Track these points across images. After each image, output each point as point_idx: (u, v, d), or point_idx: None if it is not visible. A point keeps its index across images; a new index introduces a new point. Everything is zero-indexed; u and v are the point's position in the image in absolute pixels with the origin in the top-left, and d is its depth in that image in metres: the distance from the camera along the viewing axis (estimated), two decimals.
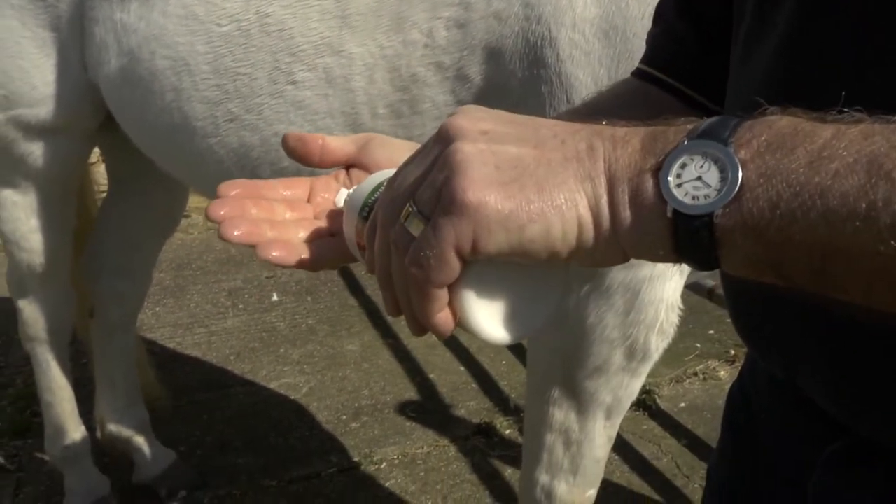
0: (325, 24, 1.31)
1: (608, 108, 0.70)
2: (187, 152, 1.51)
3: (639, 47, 1.01)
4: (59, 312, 2.01)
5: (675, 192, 0.40)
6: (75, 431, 2.12)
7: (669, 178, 0.41)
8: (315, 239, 0.58)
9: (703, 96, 0.69)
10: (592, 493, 1.43)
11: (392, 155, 0.63)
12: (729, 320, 0.68)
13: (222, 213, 0.56)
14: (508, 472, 2.32)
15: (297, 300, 3.47)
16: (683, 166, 0.41)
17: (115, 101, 1.62)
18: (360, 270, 3.48)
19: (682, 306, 1.25)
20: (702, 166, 0.40)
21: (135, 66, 1.50)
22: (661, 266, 1.17)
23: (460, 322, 0.47)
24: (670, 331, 1.26)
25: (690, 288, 1.82)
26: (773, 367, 0.63)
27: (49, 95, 1.67)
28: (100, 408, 2.26)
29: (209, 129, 1.45)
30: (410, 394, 2.75)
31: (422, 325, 0.48)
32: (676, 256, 0.42)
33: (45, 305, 1.97)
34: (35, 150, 1.74)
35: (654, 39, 0.75)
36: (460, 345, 3.01)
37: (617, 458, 2.35)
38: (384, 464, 2.38)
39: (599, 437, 1.34)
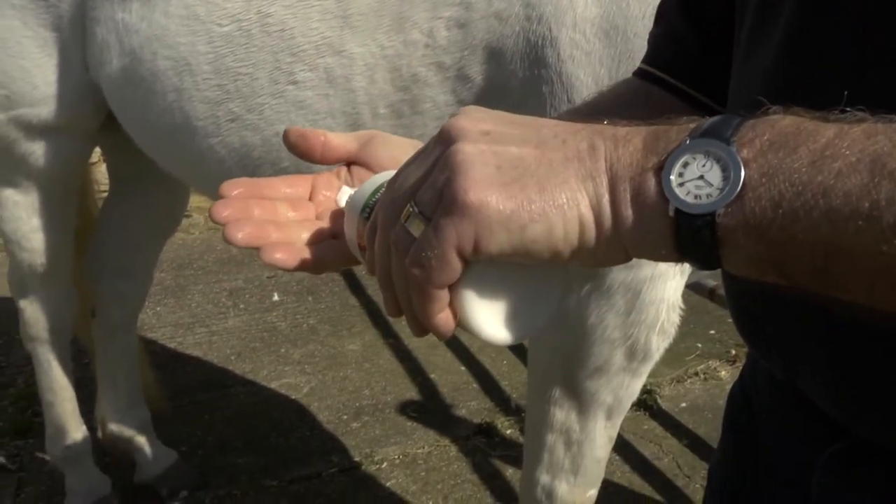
0: (326, 24, 1.31)
1: (609, 108, 0.70)
2: (189, 152, 1.51)
3: (640, 47, 1.01)
4: (61, 312, 2.01)
5: (677, 191, 0.40)
6: (76, 431, 2.12)
7: (671, 177, 0.41)
8: (317, 241, 0.58)
9: (704, 96, 0.69)
10: (593, 493, 1.43)
11: (393, 153, 0.63)
12: (730, 320, 0.68)
13: (225, 214, 0.56)
14: (509, 472, 2.32)
15: (298, 300, 3.47)
16: (686, 165, 0.41)
17: (116, 101, 1.62)
18: (360, 270, 3.47)
19: (683, 306, 1.25)
20: (704, 165, 0.40)
21: (136, 67, 1.50)
22: (662, 266, 1.17)
23: (461, 322, 0.47)
24: (671, 331, 1.26)
25: (691, 288, 1.82)
26: (774, 368, 0.63)
27: (50, 95, 1.67)
28: (101, 408, 2.27)
29: (210, 129, 1.45)
30: (411, 394, 2.75)
31: (423, 326, 0.48)
32: (678, 256, 0.42)
33: (47, 305, 1.97)
34: (36, 150, 1.74)
35: (655, 39, 0.75)
36: (461, 345, 3.01)
37: (618, 458, 2.35)
38: (385, 464, 2.38)
39: (600, 437, 1.34)
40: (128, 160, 2.00)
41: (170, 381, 2.75)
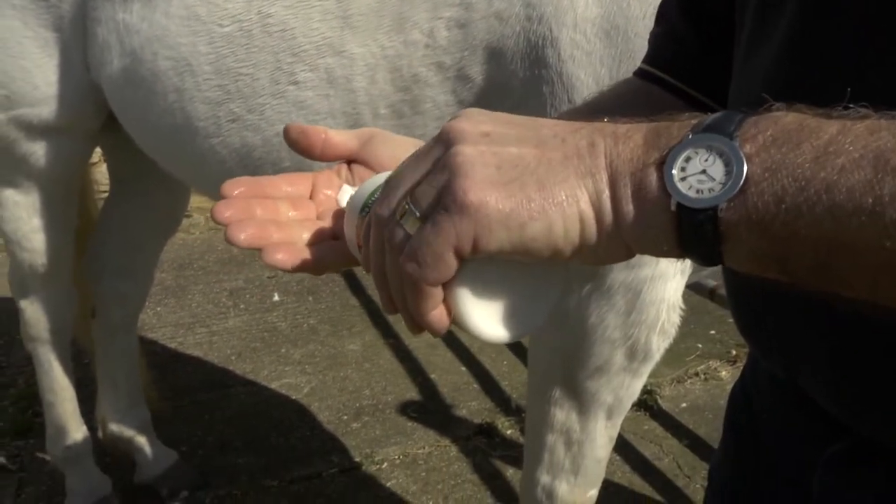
0: (327, 24, 1.31)
1: (609, 107, 0.70)
2: (189, 153, 1.51)
3: (640, 47, 1.02)
4: (61, 312, 2.01)
5: (679, 185, 0.40)
6: (77, 431, 2.12)
7: (674, 171, 0.40)
8: (318, 241, 0.58)
9: (704, 96, 0.69)
10: (594, 493, 1.43)
11: (394, 152, 0.63)
12: (730, 320, 0.68)
13: (227, 215, 0.56)
14: (510, 473, 2.32)
15: (298, 300, 3.48)
16: (688, 160, 0.40)
17: (117, 102, 1.62)
18: (361, 271, 3.47)
19: (683, 306, 1.25)
20: (706, 160, 0.40)
21: (137, 67, 1.50)
22: (662, 266, 1.17)
23: (455, 319, 0.47)
24: (672, 331, 1.26)
25: (692, 288, 1.82)
26: (775, 367, 0.63)
27: (51, 96, 1.67)
28: (101, 408, 2.27)
29: (211, 129, 1.45)
30: (412, 394, 2.75)
31: (418, 323, 0.48)
32: (680, 251, 0.42)
33: (47, 305, 1.97)
34: (37, 150, 1.75)
35: (655, 39, 0.76)
36: (462, 345, 3.02)
37: (618, 458, 2.35)
38: (385, 464, 2.38)
39: (601, 438, 1.34)
40: (128, 160, 2.00)
41: (170, 381, 2.76)
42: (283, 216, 0.59)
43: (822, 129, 0.39)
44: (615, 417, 1.34)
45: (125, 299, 2.16)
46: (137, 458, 2.26)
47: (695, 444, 2.45)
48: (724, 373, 2.84)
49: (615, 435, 1.38)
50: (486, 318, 0.47)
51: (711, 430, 2.47)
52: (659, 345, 1.26)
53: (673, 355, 1.90)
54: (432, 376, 2.84)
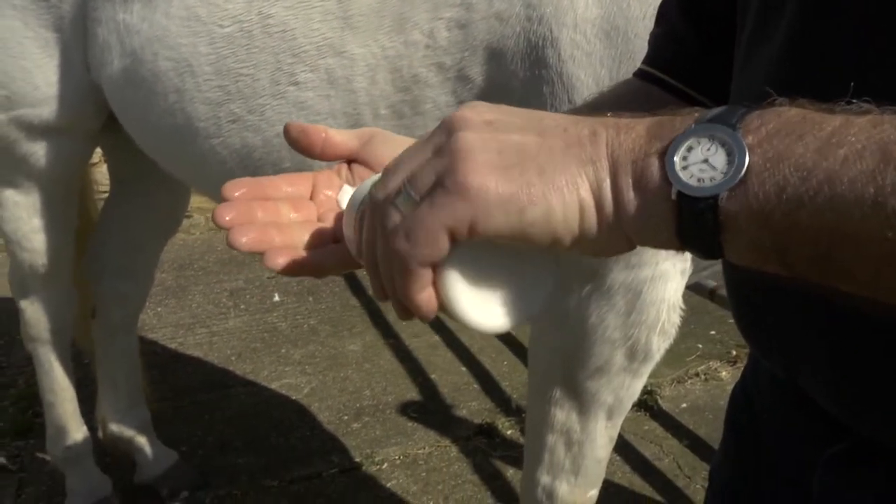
0: (327, 24, 1.31)
1: (609, 108, 0.70)
2: (190, 153, 1.51)
3: (640, 48, 1.02)
4: (61, 313, 2.01)
5: (681, 174, 0.40)
6: (77, 432, 2.12)
7: (675, 160, 0.40)
8: (319, 244, 0.58)
9: (704, 96, 0.69)
10: (594, 493, 1.43)
11: (395, 152, 0.62)
12: (730, 321, 0.68)
13: (228, 218, 0.56)
14: (510, 473, 2.32)
15: (298, 300, 3.48)
16: (690, 149, 0.40)
17: (117, 102, 1.62)
18: (361, 271, 3.48)
19: (683, 307, 1.25)
20: (709, 149, 0.40)
21: (137, 67, 1.50)
22: (662, 266, 1.17)
23: (443, 304, 0.46)
24: (672, 331, 1.26)
25: (692, 288, 1.82)
26: (775, 367, 0.63)
27: (51, 96, 1.67)
28: (101, 408, 2.27)
29: (212, 129, 1.45)
30: (412, 394, 2.75)
31: (406, 307, 0.47)
32: (680, 241, 0.42)
33: (47, 306, 1.97)
34: (37, 151, 1.75)
35: (655, 39, 0.76)
36: (462, 345, 3.02)
37: (618, 458, 2.35)
38: (385, 464, 2.38)
39: (601, 438, 1.34)
40: (129, 161, 2.00)
41: (170, 381, 2.76)
42: (284, 218, 0.59)
43: (825, 121, 0.39)
44: (615, 418, 1.34)
45: (125, 300, 2.16)
46: (137, 458, 2.26)
47: (695, 444, 2.45)
48: (724, 373, 2.84)
49: (615, 435, 1.38)
50: (473, 304, 0.46)
51: (712, 431, 2.47)
52: (659, 345, 1.26)
53: (673, 356, 1.90)
54: (432, 376, 2.84)
